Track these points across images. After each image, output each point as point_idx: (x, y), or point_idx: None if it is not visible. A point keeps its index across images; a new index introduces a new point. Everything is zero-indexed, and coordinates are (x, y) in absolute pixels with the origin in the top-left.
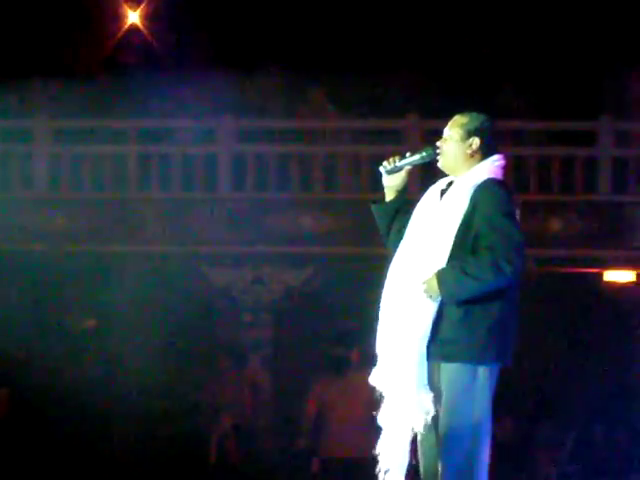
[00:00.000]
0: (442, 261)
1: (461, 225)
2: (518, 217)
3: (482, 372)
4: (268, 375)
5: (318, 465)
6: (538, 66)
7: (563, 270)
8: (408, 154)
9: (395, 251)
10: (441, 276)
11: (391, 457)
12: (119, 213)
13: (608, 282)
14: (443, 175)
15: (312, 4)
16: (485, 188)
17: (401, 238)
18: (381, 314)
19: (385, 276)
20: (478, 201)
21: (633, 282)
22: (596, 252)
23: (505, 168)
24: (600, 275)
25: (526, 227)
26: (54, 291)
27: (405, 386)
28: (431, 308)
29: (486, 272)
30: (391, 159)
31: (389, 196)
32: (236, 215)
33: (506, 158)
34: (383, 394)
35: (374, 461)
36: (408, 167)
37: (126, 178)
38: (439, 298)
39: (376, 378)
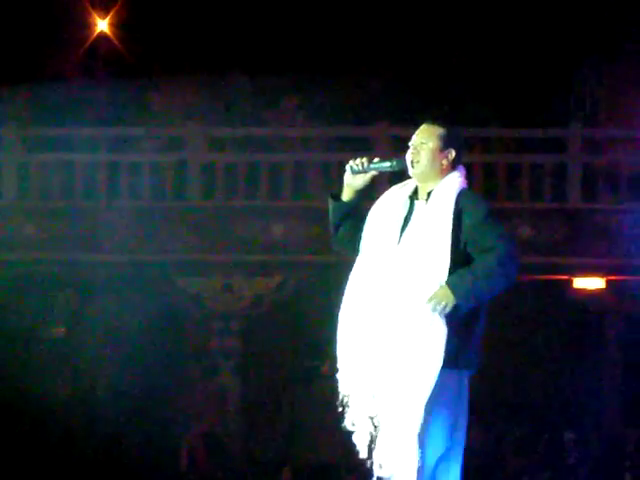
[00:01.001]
0: (443, 274)
1: (452, 233)
2: None
3: (452, 378)
4: (238, 383)
5: (288, 473)
6: (508, 74)
7: (533, 277)
8: (377, 159)
9: (345, 251)
10: (452, 284)
11: (389, 461)
12: (89, 222)
13: (577, 289)
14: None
15: (282, 12)
16: (467, 196)
17: (351, 240)
18: (351, 322)
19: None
20: (463, 209)
21: (602, 289)
22: (565, 259)
23: (466, 178)
24: (570, 282)
25: None
26: (23, 299)
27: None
28: (439, 323)
29: (496, 272)
30: (359, 160)
31: (347, 195)
32: (206, 223)
33: (465, 169)
34: (348, 400)
35: (345, 468)
36: (374, 172)
37: (96, 186)
38: (448, 310)
39: (345, 385)
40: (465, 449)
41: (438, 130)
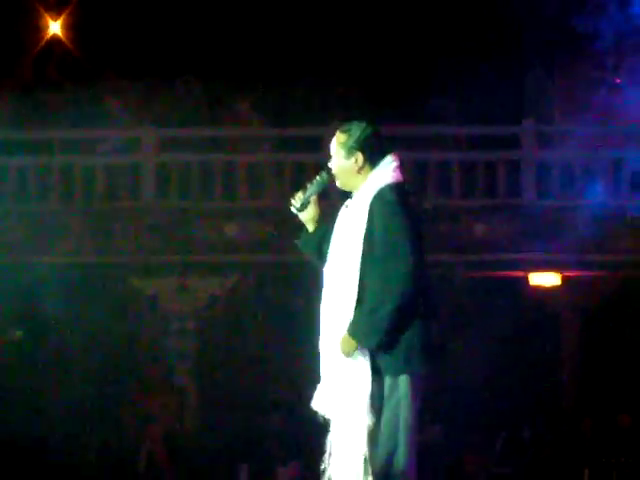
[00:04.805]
0: (354, 279)
1: (364, 240)
2: (419, 212)
3: (402, 382)
4: (194, 383)
5: (247, 471)
6: (462, 72)
7: (489, 274)
8: (308, 185)
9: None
10: (350, 332)
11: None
12: (43, 224)
13: (534, 285)
14: None
15: (235, 14)
16: (379, 198)
17: None
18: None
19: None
20: (373, 214)
21: (558, 285)
22: (521, 256)
23: (400, 167)
24: (526, 278)
25: (451, 232)
26: None
27: (348, 408)
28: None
29: (386, 300)
30: (296, 196)
31: (311, 228)
32: (160, 224)
33: (398, 157)
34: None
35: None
36: (314, 197)
37: (50, 189)
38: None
39: (318, 403)
40: (424, 447)
41: (340, 138)
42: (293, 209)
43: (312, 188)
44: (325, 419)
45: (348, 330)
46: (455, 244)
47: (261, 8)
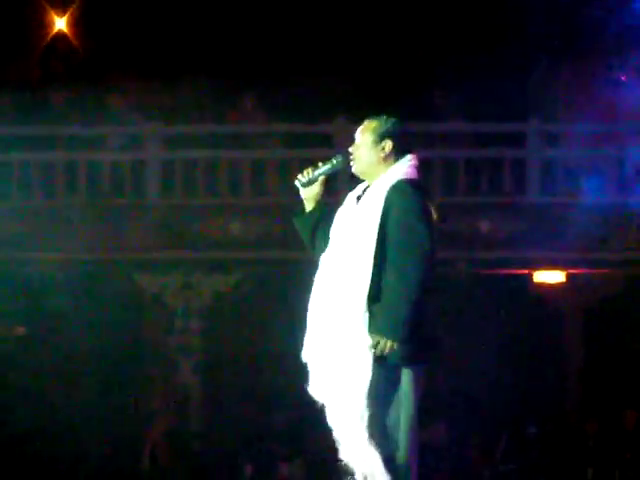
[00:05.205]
0: (367, 269)
1: (379, 229)
2: (435, 216)
3: (407, 374)
4: (199, 381)
5: (251, 469)
6: (467, 69)
7: (493, 272)
8: (320, 164)
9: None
10: (378, 329)
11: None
12: (48, 220)
13: (538, 283)
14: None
15: (240, 10)
16: (397, 189)
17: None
18: (310, 325)
19: (313, 282)
20: (390, 203)
21: (562, 283)
22: (526, 253)
23: (418, 167)
24: (530, 276)
25: (456, 229)
26: None
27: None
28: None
29: (403, 293)
30: (305, 172)
31: (309, 207)
32: (165, 221)
33: (418, 158)
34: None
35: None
36: (322, 177)
37: (54, 186)
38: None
39: (315, 389)
40: (428, 445)
41: (372, 124)
42: (297, 183)
43: (323, 168)
44: (322, 407)
45: (375, 328)
46: (459, 241)
47: (266, 3)
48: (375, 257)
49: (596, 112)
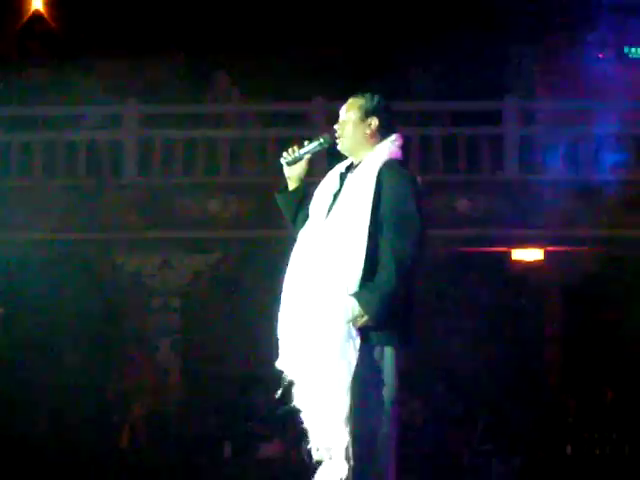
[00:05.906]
0: (361, 249)
1: (372, 209)
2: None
3: (389, 353)
4: (178, 360)
5: (231, 449)
6: (443, 47)
7: (471, 249)
8: (306, 142)
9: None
10: (365, 304)
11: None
12: (25, 200)
13: (516, 260)
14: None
15: None
16: (390, 168)
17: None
18: (285, 301)
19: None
20: (383, 183)
21: (541, 260)
22: (504, 231)
23: (403, 147)
24: (508, 254)
25: (433, 207)
26: None
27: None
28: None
29: (397, 276)
30: (290, 150)
31: (292, 185)
32: (143, 200)
33: (402, 137)
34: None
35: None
36: (308, 156)
37: (32, 165)
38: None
39: (285, 364)
40: (405, 424)
41: (358, 101)
42: (283, 161)
43: (309, 147)
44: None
45: (361, 302)
46: (437, 219)
47: None
48: (369, 237)
49: (573, 89)
